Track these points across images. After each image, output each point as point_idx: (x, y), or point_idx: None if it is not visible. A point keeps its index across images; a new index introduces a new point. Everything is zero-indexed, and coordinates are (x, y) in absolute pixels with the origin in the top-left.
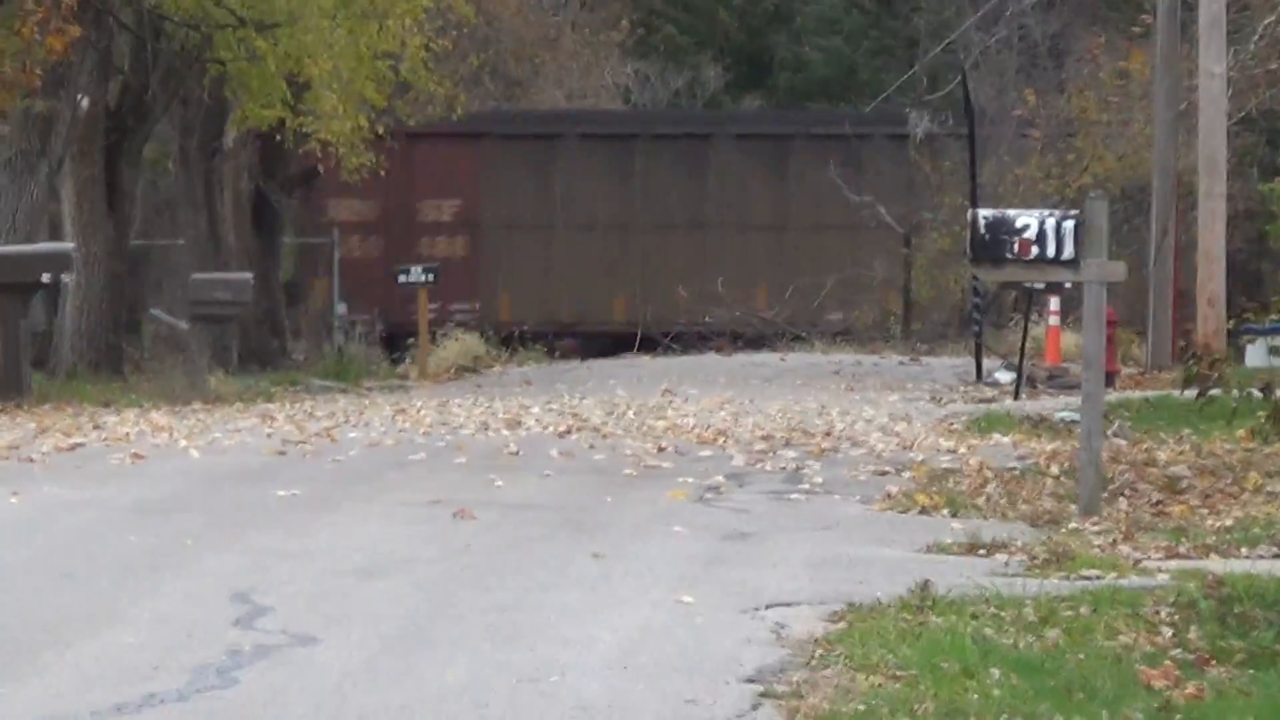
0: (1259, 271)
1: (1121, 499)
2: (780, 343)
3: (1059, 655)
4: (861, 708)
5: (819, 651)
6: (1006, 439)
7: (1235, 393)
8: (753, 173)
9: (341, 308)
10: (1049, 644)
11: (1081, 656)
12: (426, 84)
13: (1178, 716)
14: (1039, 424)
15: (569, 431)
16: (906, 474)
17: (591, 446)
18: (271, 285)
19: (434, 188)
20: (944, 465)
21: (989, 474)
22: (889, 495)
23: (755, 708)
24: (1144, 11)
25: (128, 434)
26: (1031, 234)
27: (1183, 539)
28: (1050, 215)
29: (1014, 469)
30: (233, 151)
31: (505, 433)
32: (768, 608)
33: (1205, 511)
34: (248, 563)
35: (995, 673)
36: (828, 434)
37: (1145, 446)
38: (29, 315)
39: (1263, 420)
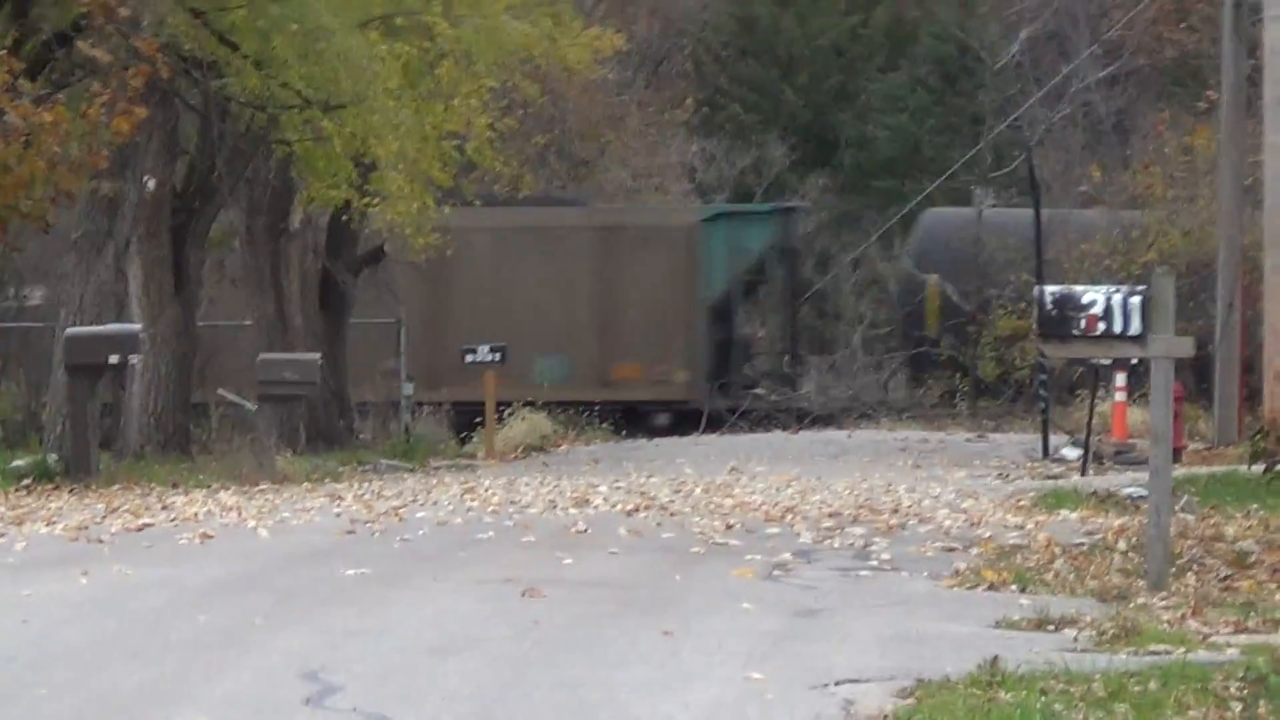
0: None
1: (1189, 574)
2: (847, 420)
3: None
4: None
5: None
6: (1074, 515)
7: None
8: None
9: (408, 387)
10: (1118, 719)
11: None
12: (492, 164)
13: None
14: (1106, 500)
15: (637, 510)
16: (974, 550)
17: (659, 524)
18: (338, 365)
19: None
20: (1012, 541)
21: (1057, 550)
22: (957, 572)
23: None
24: (1209, 87)
25: (196, 514)
26: (1098, 310)
27: (1251, 614)
28: (1117, 291)
29: (1081, 545)
30: (299, 232)
31: (573, 511)
32: (837, 684)
33: (1274, 586)
34: (318, 641)
35: None
36: (895, 511)
37: (1213, 522)
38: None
39: None
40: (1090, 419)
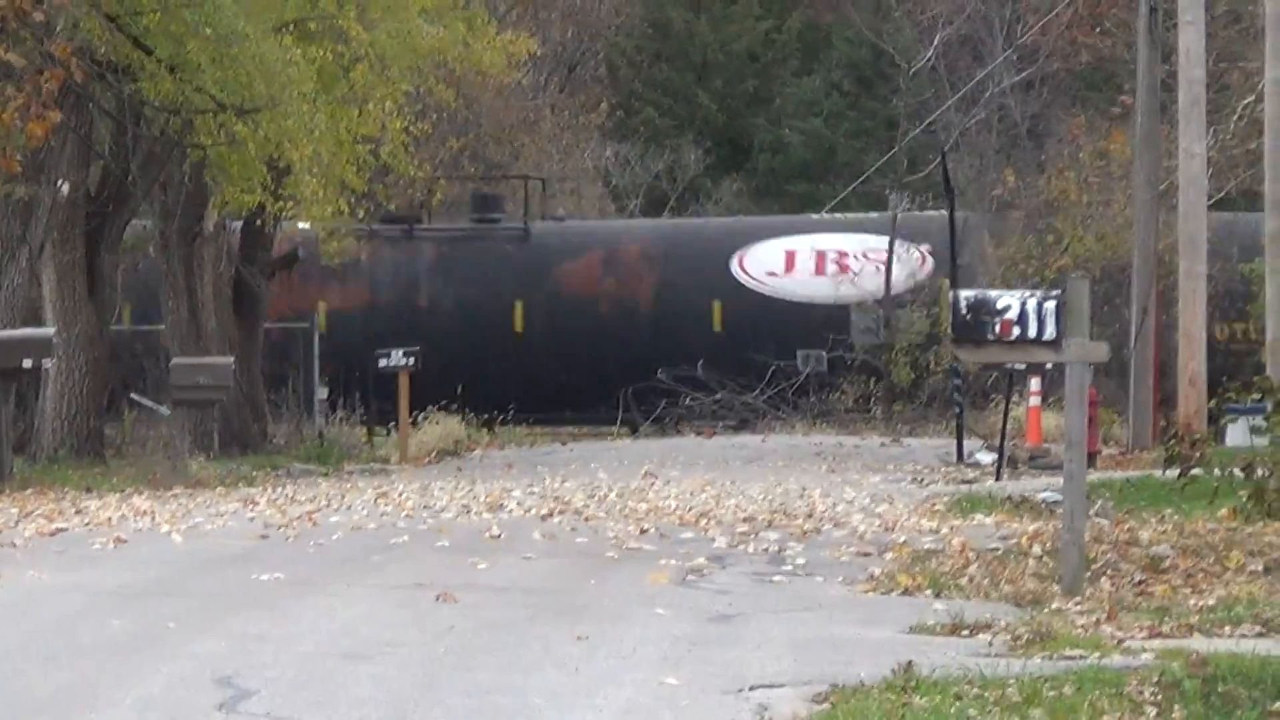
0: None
1: (1104, 579)
2: (761, 424)
3: None
4: None
5: None
6: (989, 520)
7: (1217, 472)
8: None
9: (322, 391)
10: None
11: None
12: (406, 168)
13: None
14: (1021, 504)
15: (551, 514)
16: (889, 555)
17: (573, 529)
18: (252, 369)
19: None
20: (926, 546)
21: (971, 555)
22: (872, 576)
23: None
24: (1124, 92)
25: (109, 518)
26: (1013, 315)
27: (1166, 618)
28: (1032, 296)
29: (996, 549)
30: (213, 236)
31: (487, 515)
32: (751, 689)
33: (1188, 591)
34: (231, 646)
35: None
36: (810, 515)
37: (1127, 526)
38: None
39: (1244, 499)
40: (1005, 424)
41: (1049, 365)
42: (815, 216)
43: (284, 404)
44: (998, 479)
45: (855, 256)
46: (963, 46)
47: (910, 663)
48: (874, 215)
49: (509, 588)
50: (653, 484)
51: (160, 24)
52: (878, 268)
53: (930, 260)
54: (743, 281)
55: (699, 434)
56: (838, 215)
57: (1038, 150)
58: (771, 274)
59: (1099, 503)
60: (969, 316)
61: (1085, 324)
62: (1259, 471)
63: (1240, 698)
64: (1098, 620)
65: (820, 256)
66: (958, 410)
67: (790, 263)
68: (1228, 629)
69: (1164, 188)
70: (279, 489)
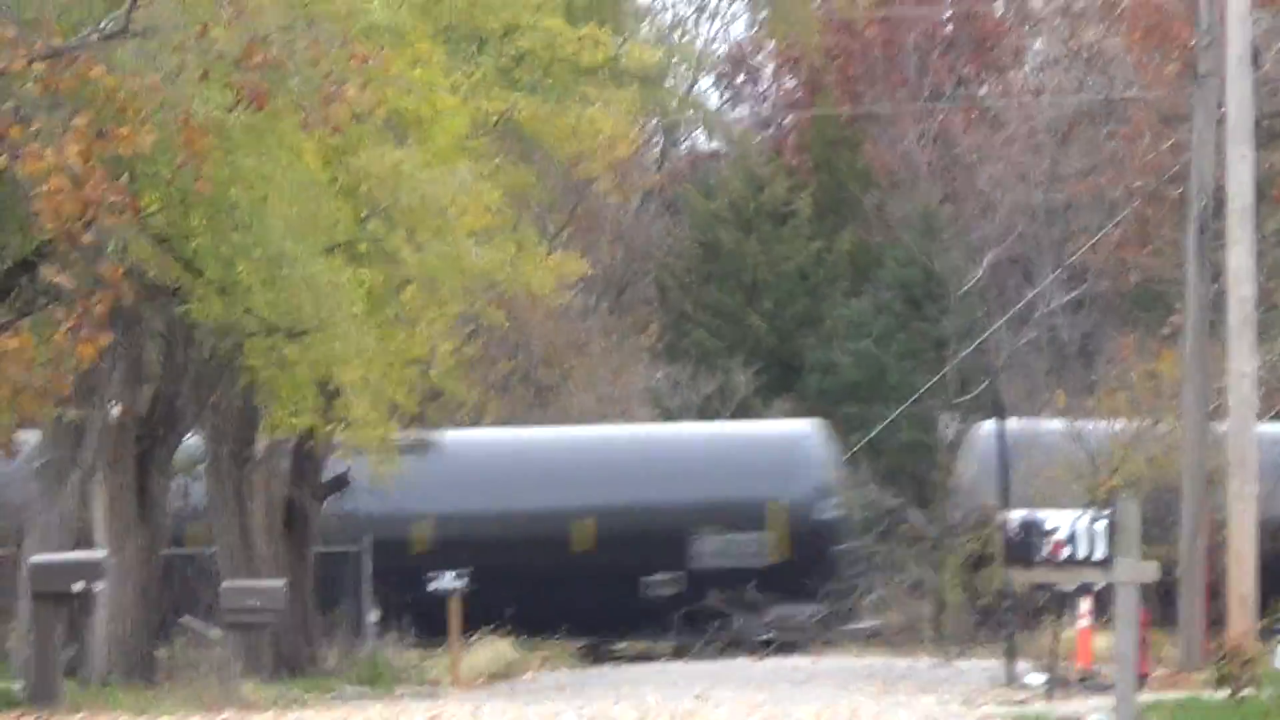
0: None
1: None
2: (813, 646)
3: None
4: None
5: None
6: None
7: (1269, 692)
8: None
9: (374, 614)
10: None
11: None
12: (457, 390)
13: None
14: None
15: None
16: None
17: None
18: (303, 592)
19: None
20: None
21: None
22: None
23: None
24: (1174, 312)
25: None
26: (1063, 535)
27: None
28: (1081, 516)
29: None
30: (264, 458)
31: None
32: None
33: None
34: None
35: None
36: None
37: None
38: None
39: None
40: (1055, 645)
41: (1099, 585)
42: None
43: (337, 626)
44: (1049, 700)
45: None
46: (1012, 266)
47: None
48: None
49: None
50: (704, 706)
51: (210, 246)
52: None
53: None
54: None
55: (750, 655)
56: None
57: (1088, 370)
58: None
59: None
60: (1019, 537)
61: (1136, 544)
62: None
63: None
64: None
65: None
66: (1008, 632)
67: None
68: None
69: (1214, 408)
70: (331, 712)
